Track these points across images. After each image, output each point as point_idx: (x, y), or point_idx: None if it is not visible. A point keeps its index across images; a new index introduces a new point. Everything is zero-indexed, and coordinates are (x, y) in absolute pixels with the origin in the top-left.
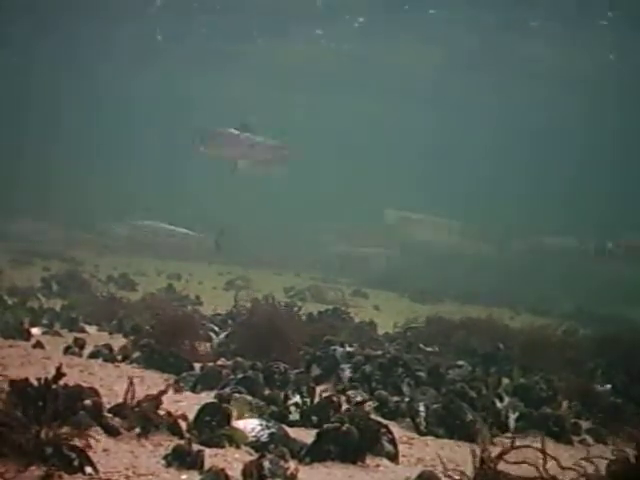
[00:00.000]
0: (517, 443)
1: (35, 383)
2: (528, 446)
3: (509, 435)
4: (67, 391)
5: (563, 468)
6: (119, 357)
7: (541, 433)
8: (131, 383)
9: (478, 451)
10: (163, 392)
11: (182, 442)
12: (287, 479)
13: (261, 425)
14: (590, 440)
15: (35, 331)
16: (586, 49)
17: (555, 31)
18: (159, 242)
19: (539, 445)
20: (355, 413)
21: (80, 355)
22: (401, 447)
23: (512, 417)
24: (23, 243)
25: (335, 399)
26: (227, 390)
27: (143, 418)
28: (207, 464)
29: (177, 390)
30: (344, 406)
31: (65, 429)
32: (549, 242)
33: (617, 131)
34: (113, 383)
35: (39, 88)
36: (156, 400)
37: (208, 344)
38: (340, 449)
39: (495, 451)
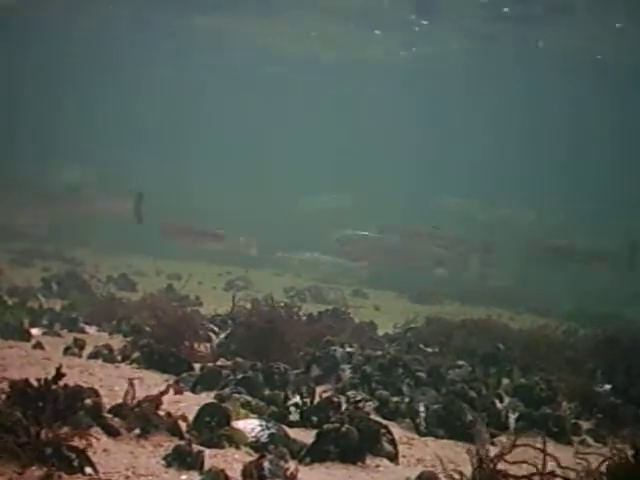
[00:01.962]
0: (517, 443)
1: (35, 384)
2: (527, 445)
3: (509, 435)
4: (67, 392)
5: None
6: (119, 357)
7: (541, 433)
8: (131, 383)
9: (475, 451)
10: (164, 392)
11: (182, 442)
12: (287, 479)
13: (261, 425)
14: (590, 440)
15: (35, 332)
16: None
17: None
18: None
19: (538, 446)
20: (354, 413)
21: (80, 356)
22: (401, 447)
23: (512, 417)
24: None
25: (335, 399)
26: (227, 390)
27: (143, 418)
28: (207, 464)
29: (177, 391)
30: (344, 406)
31: (65, 429)
32: None
33: None
34: (113, 383)
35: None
36: (156, 400)
37: (208, 344)
38: (340, 449)
39: (494, 451)
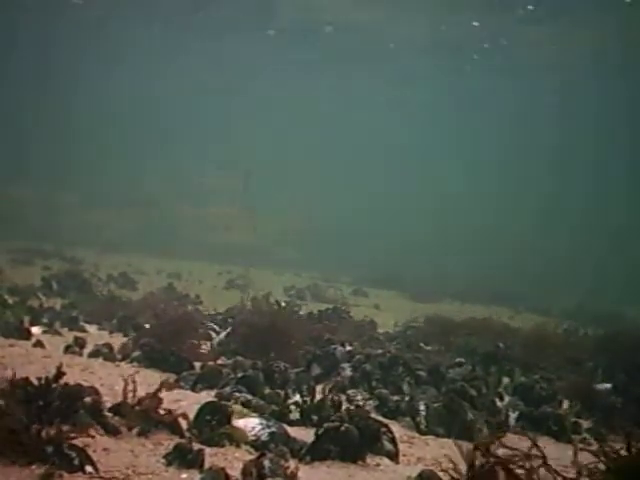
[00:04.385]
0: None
1: (35, 382)
2: (517, 433)
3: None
4: (67, 390)
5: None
6: (119, 356)
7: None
8: (132, 382)
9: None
10: (157, 391)
11: (182, 441)
12: (287, 478)
13: (261, 424)
14: (590, 439)
15: (35, 330)
16: None
17: None
18: None
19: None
20: (354, 411)
21: (80, 354)
22: (401, 446)
23: (512, 416)
24: None
25: (335, 398)
26: (227, 389)
27: (143, 417)
28: (207, 463)
29: (169, 388)
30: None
31: (66, 428)
32: None
33: None
34: (113, 382)
35: None
36: (155, 399)
37: (208, 343)
38: (340, 448)
39: (495, 451)
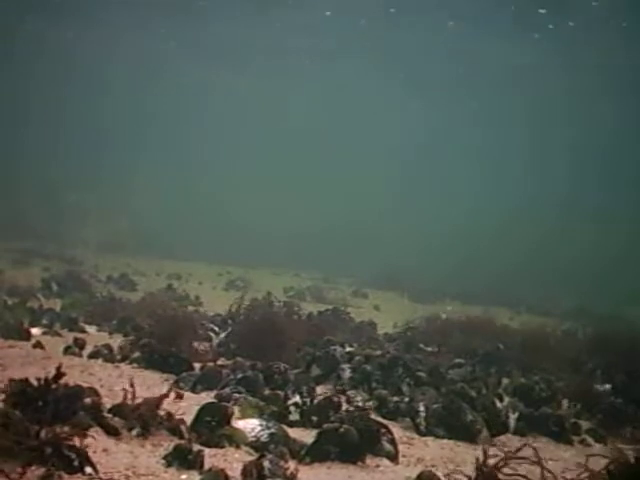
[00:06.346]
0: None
1: (35, 383)
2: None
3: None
4: (67, 391)
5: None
6: (119, 357)
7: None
8: (131, 384)
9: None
10: (164, 396)
11: (182, 442)
12: (287, 479)
13: (261, 425)
14: (590, 440)
15: (35, 331)
16: None
17: None
18: None
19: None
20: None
21: (80, 355)
22: (401, 447)
23: (512, 417)
24: None
25: (335, 399)
26: (227, 390)
27: (143, 418)
28: (207, 464)
29: (178, 396)
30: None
31: (65, 429)
32: None
33: None
34: (113, 383)
35: None
36: (156, 402)
37: (208, 344)
38: (340, 449)
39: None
